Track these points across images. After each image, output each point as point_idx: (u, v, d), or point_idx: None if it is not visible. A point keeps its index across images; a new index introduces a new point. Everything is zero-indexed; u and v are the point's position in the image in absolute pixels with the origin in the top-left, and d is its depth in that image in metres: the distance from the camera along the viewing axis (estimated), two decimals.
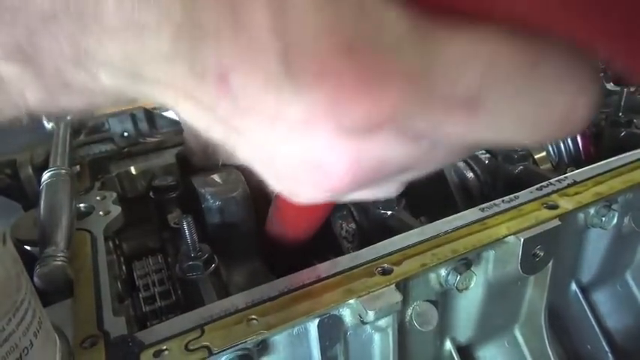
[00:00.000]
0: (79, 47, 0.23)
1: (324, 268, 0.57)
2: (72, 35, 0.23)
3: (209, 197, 0.73)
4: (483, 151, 0.96)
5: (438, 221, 0.65)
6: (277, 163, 0.27)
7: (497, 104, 0.22)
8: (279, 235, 0.75)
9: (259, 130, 0.24)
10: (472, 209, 0.67)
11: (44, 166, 0.78)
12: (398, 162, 0.25)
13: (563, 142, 0.98)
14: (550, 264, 0.67)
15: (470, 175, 0.93)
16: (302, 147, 0.24)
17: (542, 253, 0.63)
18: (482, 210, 0.66)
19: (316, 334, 0.53)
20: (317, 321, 0.52)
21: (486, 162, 0.94)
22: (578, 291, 0.83)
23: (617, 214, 0.71)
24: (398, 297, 0.53)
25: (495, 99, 0.22)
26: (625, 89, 0.95)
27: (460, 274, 0.59)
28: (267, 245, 0.79)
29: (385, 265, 0.56)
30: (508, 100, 0.22)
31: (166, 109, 1.00)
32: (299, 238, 0.75)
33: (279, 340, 0.52)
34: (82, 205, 0.73)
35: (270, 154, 0.26)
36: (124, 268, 0.74)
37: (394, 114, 0.21)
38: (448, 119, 0.22)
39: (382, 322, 0.55)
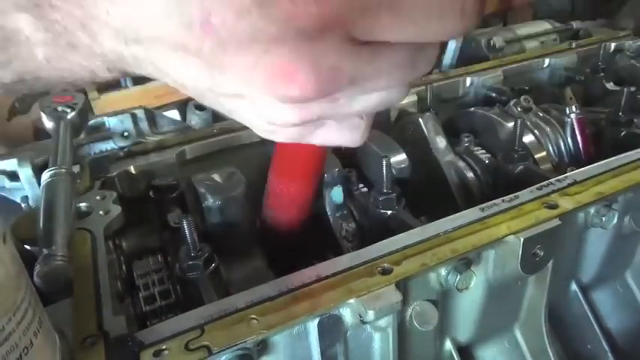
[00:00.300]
0: (85, 11, 0.29)
1: (324, 267, 0.57)
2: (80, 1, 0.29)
3: (209, 197, 0.73)
4: (483, 151, 0.96)
5: (438, 221, 0.65)
6: (254, 86, 0.32)
7: (409, 8, 0.30)
8: (274, 221, 0.76)
9: (238, 55, 0.30)
10: (472, 209, 0.67)
11: (44, 166, 0.78)
12: (349, 72, 0.32)
13: (564, 142, 0.98)
14: (550, 264, 0.67)
15: (470, 174, 0.93)
16: (274, 59, 0.30)
17: (542, 253, 0.63)
18: (483, 210, 0.66)
19: (316, 333, 0.53)
20: (317, 321, 0.52)
21: (486, 162, 0.94)
22: (578, 291, 0.83)
23: (617, 214, 0.71)
24: (398, 296, 0.53)
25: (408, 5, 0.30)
26: (625, 89, 0.95)
27: (460, 273, 0.59)
28: (264, 235, 0.80)
29: (385, 265, 0.56)
30: (417, 8, 0.30)
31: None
32: (293, 221, 0.76)
33: (279, 339, 0.52)
34: (82, 204, 0.73)
35: (248, 80, 0.32)
36: (123, 267, 0.74)
37: (338, 17, 0.29)
38: (377, 21, 0.30)
39: (382, 322, 0.55)
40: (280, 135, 0.40)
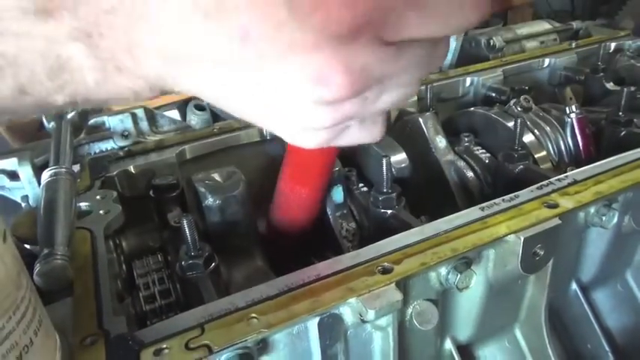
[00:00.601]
0: (130, 38, 0.32)
1: (324, 266, 0.57)
2: (125, 28, 0.31)
3: (209, 196, 0.73)
4: (483, 150, 0.96)
5: (438, 220, 0.65)
6: (292, 92, 0.34)
7: (434, 4, 0.33)
8: (282, 222, 0.77)
9: (277, 64, 0.32)
10: (472, 208, 0.67)
11: (44, 165, 0.78)
12: (378, 71, 0.34)
13: (564, 142, 0.98)
14: (550, 263, 0.67)
15: (470, 174, 0.93)
16: (312, 65, 0.32)
17: (542, 252, 0.63)
18: (483, 209, 0.66)
19: (316, 332, 0.53)
20: (317, 320, 0.52)
21: (486, 161, 0.94)
22: (578, 290, 0.83)
23: (617, 213, 0.71)
24: (398, 296, 0.53)
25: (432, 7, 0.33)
26: (625, 89, 0.95)
27: (460, 273, 0.59)
28: (269, 235, 0.80)
29: (385, 264, 0.56)
30: (440, 3, 0.33)
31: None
32: (302, 222, 0.77)
33: (280, 338, 0.52)
34: (82, 203, 0.73)
35: (286, 87, 0.34)
36: (124, 266, 0.74)
37: (369, 20, 0.31)
38: (405, 20, 0.32)
39: (382, 321, 0.55)
40: (312, 140, 0.41)
